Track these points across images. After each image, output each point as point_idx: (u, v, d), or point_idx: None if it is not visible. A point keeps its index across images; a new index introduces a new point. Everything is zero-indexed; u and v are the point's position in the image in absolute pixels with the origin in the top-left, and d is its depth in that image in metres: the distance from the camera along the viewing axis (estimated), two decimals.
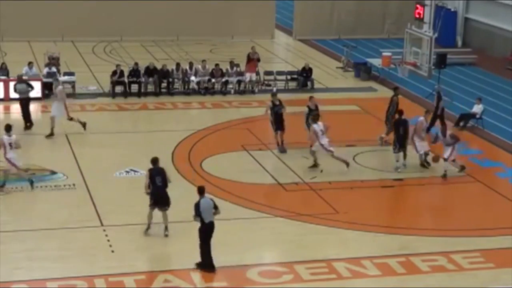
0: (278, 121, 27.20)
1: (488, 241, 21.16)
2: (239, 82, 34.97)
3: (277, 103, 27.35)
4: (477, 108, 31.08)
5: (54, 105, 28.49)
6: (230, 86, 34.82)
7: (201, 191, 19.27)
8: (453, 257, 20.11)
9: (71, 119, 28.52)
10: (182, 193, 21.94)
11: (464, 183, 25.34)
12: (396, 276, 19.21)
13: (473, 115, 31.06)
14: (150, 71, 33.99)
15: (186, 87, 34.53)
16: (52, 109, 28.57)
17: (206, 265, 19.12)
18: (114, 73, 33.67)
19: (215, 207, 19.21)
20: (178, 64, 34.95)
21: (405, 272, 19.38)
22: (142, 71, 33.84)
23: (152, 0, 43.81)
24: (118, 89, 33.63)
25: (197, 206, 19.04)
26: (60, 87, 28.98)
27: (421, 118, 26.69)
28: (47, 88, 32.54)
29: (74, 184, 23.99)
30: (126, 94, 33.52)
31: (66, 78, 33.90)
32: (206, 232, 19.06)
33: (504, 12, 43.16)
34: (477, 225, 22.10)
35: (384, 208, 23.45)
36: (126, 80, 33.67)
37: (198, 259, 19.20)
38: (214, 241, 19.34)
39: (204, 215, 18.97)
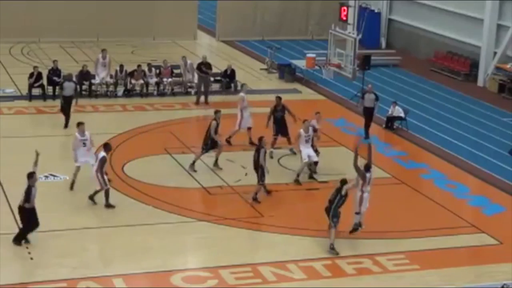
0: (279, 125, 27.35)
1: (413, 243, 21.30)
2: (158, 84, 34.50)
3: (280, 107, 27.41)
4: (395, 111, 31.19)
5: None
6: (152, 88, 34.34)
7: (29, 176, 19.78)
8: (378, 259, 20.18)
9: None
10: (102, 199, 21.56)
11: (389, 184, 25.44)
12: (322, 279, 19.19)
13: (399, 117, 31.17)
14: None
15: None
16: None
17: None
18: (31, 75, 32.89)
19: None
20: (149, 64, 34.96)
21: (330, 275, 19.37)
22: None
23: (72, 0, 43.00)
24: (37, 91, 32.89)
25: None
26: None
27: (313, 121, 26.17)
28: None
29: None
30: (44, 97, 32.75)
31: None
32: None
33: (428, 13, 43.71)
34: (402, 227, 22.22)
35: (309, 211, 23.34)
36: (45, 82, 32.96)
37: (121, 264, 19.00)
38: (137, 245, 19.29)
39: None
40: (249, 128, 28.18)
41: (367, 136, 28.97)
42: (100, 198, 22.42)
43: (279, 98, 27.87)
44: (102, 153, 22.54)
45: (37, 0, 42.48)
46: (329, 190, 24.04)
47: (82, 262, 19.41)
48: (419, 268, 19.88)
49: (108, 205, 22.43)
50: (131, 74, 34.22)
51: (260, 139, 23.59)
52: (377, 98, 29.83)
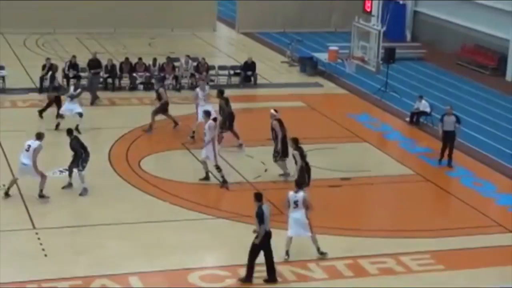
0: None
1: (438, 242, 20.92)
2: (175, 78, 34.15)
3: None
4: (421, 105, 30.62)
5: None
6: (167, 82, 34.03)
7: (259, 197, 18.56)
8: (402, 259, 19.81)
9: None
10: (119, 194, 21.23)
11: (414, 182, 25.04)
12: (344, 279, 18.86)
13: (424, 112, 30.59)
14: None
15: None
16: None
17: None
18: (44, 67, 32.61)
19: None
20: (154, 59, 34.41)
21: (352, 275, 19.06)
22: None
23: None
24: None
25: (260, 214, 18.26)
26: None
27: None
28: None
29: (4, 185, 23.00)
30: (52, 87, 32.35)
31: None
32: (265, 239, 18.34)
33: (455, 6, 43.18)
34: (427, 226, 21.88)
35: (331, 208, 22.98)
36: (59, 75, 32.45)
37: (137, 262, 18.76)
38: (155, 243, 19.19)
39: (266, 222, 18.28)
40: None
41: (441, 158, 26.42)
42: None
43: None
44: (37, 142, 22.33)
45: None
46: (351, 187, 23.78)
47: (97, 260, 19.16)
48: (444, 269, 19.54)
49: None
50: (134, 68, 33.95)
51: (297, 140, 22.94)
52: (458, 121, 26.57)
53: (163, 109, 27.98)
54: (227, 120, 26.77)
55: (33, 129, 24.85)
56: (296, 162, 22.71)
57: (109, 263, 18.97)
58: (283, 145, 24.27)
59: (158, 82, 29.41)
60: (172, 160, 25.78)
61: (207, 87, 28.50)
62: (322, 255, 19.71)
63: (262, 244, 18.33)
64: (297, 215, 19.51)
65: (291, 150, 23.30)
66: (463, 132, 27.54)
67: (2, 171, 24.07)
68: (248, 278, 18.38)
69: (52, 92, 29.30)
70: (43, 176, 22.25)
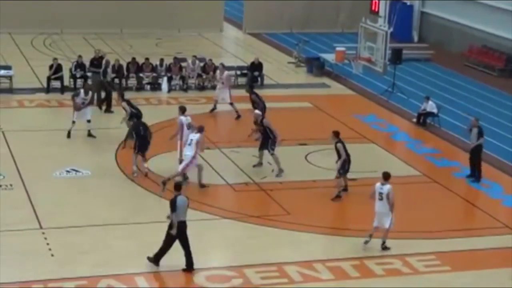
0: None
1: (445, 244, 20.88)
2: (182, 78, 34.11)
3: None
4: (428, 106, 30.55)
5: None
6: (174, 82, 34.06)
7: (177, 188, 18.91)
8: (408, 260, 19.77)
9: (231, 104, 30.22)
10: (125, 195, 21.23)
11: (420, 183, 24.97)
12: (350, 280, 18.83)
13: (431, 113, 30.52)
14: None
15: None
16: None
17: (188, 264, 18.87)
18: (51, 67, 32.65)
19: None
20: (161, 60, 34.49)
21: (359, 276, 19.02)
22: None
23: None
24: (57, 84, 32.67)
25: (173, 203, 18.59)
26: (226, 72, 31.11)
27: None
28: None
29: (11, 185, 23.18)
30: (63, 89, 32.50)
31: (2, 72, 32.98)
32: (178, 229, 18.62)
33: (462, 6, 43.04)
34: (433, 227, 21.84)
35: (337, 209, 22.97)
36: (66, 75, 32.78)
37: (143, 262, 18.78)
38: (161, 243, 18.92)
39: (178, 212, 18.57)
40: None
41: (472, 174, 25.53)
42: None
43: None
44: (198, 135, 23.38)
45: None
46: (358, 188, 23.73)
47: (103, 260, 19.15)
48: (450, 270, 19.49)
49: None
50: (141, 68, 33.96)
51: (338, 132, 23.41)
52: (481, 133, 25.30)
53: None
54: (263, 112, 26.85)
55: (42, 127, 24.76)
56: (340, 155, 22.91)
57: (115, 263, 18.97)
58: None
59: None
60: (178, 160, 25.71)
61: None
62: (384, 249, 20.01)
63: (178, 234, 18.58)
64: (380, 207, 20.00)
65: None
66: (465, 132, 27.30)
67: (9, 170, 24.10)
68: (157, 262, 18.72)
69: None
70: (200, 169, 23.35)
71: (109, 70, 31.43)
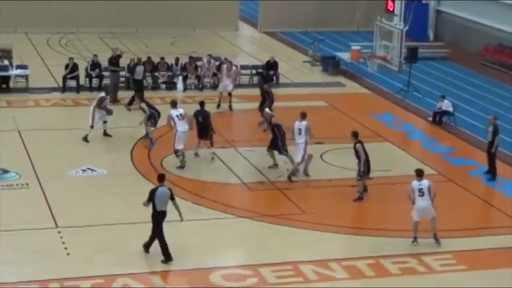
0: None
1: (461, 243, 20.82)
2: (198, 77, 34.15)
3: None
4: (444, 105, 30.44)
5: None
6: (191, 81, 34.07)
7: (160, 178, 19.20)
8: (424, 259, 19.73)
9: (229, 94, 31.21)
10: (141, 194, 21.21)
11: (436, 182, 24.55)
12: (365, 279, 18.80)
13: (447, 112, 30.43)
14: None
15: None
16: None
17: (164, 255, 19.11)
18: (67, 66, 32.75)
19: (172, 197, 19.12)
20: (177, 59, 34.63)
21: (374, 275, 18.97)
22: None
23: None
24: (73, 83, 32.74)
25: (151, 192, 18.97)
26: (234, 68, 32.16)
27: None
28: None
29: (27, 184, 23.27)
30: (78, 89, 32.60)
31: (19, 71, 33.13)
32: (156, 219, 19.02)
33: (478, 4, 42.83)
34: (449, 226, 21.69)
35: (353, 208, 22.93)
36: (82, 75, 32.84)
37: (159, 261, 18.91)
38: (176, 242, 19.09)
39: (156, 203, 18.85)
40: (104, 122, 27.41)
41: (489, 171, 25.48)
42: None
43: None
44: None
45: None
46: (373, 187, 23.69)
47: (119, 258, 19.18)
48: (466, 269, 19.43)
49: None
50: (156, 67, 33.99)
51: (357, 133, 23.41)
52: (496, 131, 25.17)
53: None
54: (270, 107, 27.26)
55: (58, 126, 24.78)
56: (359, 156, 22.91)
57: (131, 262, 18.99)
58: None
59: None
60: (193, 159, 25.72)
61: None
62: (437, 242, 20.25)
63: (155, 223, 18.97)
64: (423, 203, 20.11)
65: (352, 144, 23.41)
66: (484, 132, 27.13)
67: (25, 169, 24.19)
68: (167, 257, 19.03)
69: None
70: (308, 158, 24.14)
71: (138, 68, 31.54)
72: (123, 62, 33.27)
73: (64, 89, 32.58)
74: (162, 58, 34.31)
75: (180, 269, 18.73)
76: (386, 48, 33.75)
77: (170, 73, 33.96)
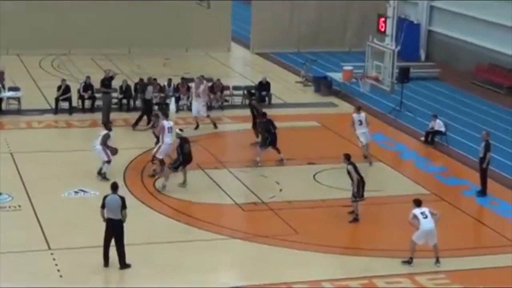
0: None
1: (454, 262, 20.76)
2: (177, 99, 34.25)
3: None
4: (436, 125, 30.48)
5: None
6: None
7: (113, 187, 19.77)
8: (417, 279, 19.68)
9: (208, 116, 31.50)
10: (134, 215, 21.18)
11: (428, 201, 24.63)
12: None
13: (439, 132, 30.47)
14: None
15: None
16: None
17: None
18: (59, 88, 32.75)
19: (124, 207, 19.46)
20: (169, 80, 34.73)
21: None
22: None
23: (102, 11, 42.78)
24: (65, 105, 32.73)
25: (103, 198, 19.68)
26: (203, 86, 31.67)
27: None
28: None
29: (20, 205, 23.20)
30: (71, 110, 32.58)
31: (11, 93, 33.10)
32: (106, 225, 19.56)
33: (469, 25, 42.92)
34: (442, 246, 21.45)
35: (346, 228, 22.85)
36: (74, 96, 32.82)
37: (153, 283, 18.80)
38: (168, 263, 19.12)
39: (106, 209, 19.53)
40: None
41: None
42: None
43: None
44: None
45: (67, 12, 42.40)
46: (365, 206, 23.64)
47: (112, 279, 19.18)
48: None
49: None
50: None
51: (349, 155, 23.24)
52: (487, 148, 25.29)
53: None
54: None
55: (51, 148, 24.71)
56: (352, 178, 22.81)
57: (125, 284, 18.97)
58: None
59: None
60: (186, 181, 25.71)
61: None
62: (437, 262, 20.34)
63: (107, 230, 19.49)
64: (428, 225, 20.09)
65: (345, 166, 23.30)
66: (476, 151, 27.21)
67: (17, 191, 24.13)
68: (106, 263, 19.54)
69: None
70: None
71: (149, 88, 31.96)
72: (115, 83, 33.25)
73: (56, 110, 32.58)
74: (155, 79, 34.29)
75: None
76: (378, 68, 33.78)
77: (162, 95, 33.93)
